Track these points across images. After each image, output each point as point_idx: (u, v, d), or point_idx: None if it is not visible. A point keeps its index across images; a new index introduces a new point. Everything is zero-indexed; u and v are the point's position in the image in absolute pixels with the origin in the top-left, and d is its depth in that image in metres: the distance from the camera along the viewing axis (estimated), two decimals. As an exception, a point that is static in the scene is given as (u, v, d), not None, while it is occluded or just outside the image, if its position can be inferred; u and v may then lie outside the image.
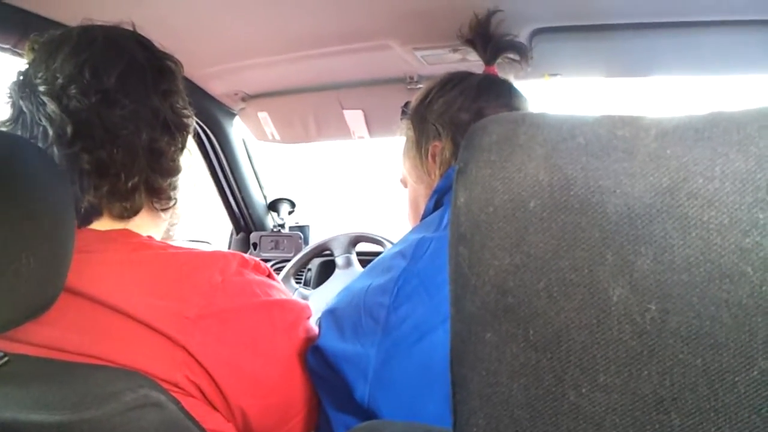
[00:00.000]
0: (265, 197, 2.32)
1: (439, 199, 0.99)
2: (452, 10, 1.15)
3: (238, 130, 2.09)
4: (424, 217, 1.01)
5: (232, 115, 2.02)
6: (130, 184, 0.83)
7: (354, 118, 1.82)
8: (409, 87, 1.60)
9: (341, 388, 0.83)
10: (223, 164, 2.12)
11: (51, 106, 0.79)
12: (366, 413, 0.81)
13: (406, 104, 1.17)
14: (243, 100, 1.90)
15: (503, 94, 1.07)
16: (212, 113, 1.95)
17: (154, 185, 0.86)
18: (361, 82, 1.70)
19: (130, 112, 0.81)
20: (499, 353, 0.37)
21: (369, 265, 0.97)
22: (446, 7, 1.17)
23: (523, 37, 1.27)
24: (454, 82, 1.08)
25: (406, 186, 1.17)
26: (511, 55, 1.18)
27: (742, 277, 0.31)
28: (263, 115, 1.94)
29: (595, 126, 0.36)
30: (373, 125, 1.84)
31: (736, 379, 0.31)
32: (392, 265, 0.88)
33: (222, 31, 1.39)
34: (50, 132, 0.79)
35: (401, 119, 1.17)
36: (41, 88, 0.80)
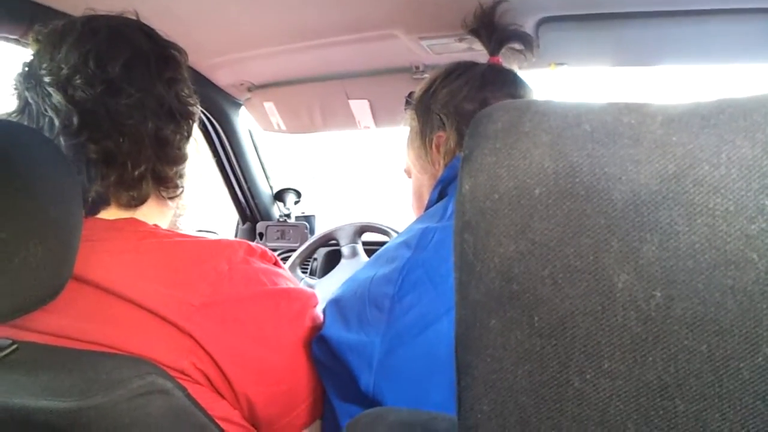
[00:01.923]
0: (271, 187, 2.32)
1: (443, 189, 0.99)
2: (458, -1, 1.15)
3: (244, 121, 2.09)
4: (428, 207, 1.00)
5: (238, 105, 2.02)
6: (137, 173, 0.83)
7: (360, 107, 1.82)
8: (414, 77, 1.59)
9: (346, 378, 0.83)
10: (229, 154, 2.12)
11: (56, 97, 0.79)
12: (371, 403, 0.81)
13: (410, 94, 1.17)
14: (249, 90, 1.90)
15: (508, 84, 1.07)
16: (218, 103, 1.95)
17: (160, 174, 0.87)
18: (367, 72, 1.70)
19: (135, 101, 0.82)
20: (503, 340, 0.37)
21: (374, 255, 0.97)
22: (452, -4, 1.16)
23: (529, 26, 1.27)
24: (459, 71, 1.08)
25: (410, 176, 1.17)
26: (516, 45, 1.17)
27: (747, 264, 0.31)
28: (269, 105, 1.94)
29: (600, 113, 0.36)
30: (378, 115, 1.84)
31: (741, 365, 0.31)
32: (397, 255, 0.88)
33: (227, 21, 1.39)
34: (56, 122, 0.79)
35: (405, 109, 1.16)
36: (46, 79, 0.80)
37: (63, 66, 0.80)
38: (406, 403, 0.78)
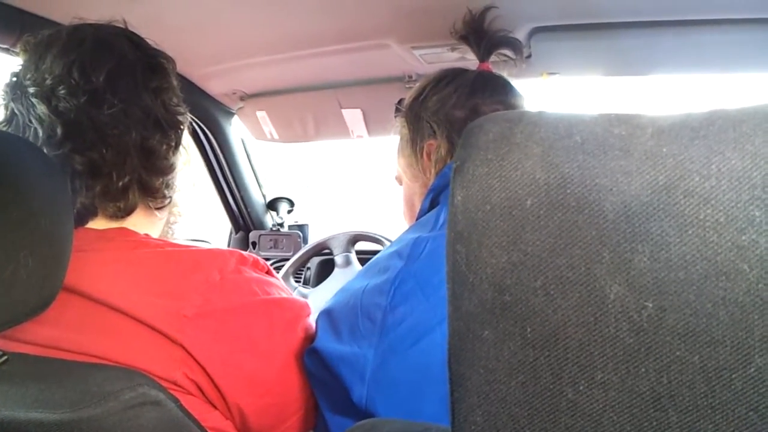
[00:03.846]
0: (264, 196, 2.32)
1: (434, 198, 0.98)
2: (450, 8, 1.15)
3: (236, 130, 2.09)
4: (419, 216, 1.00)
5: (231, 114, 2.02)
6: (121, 184, 0.82)
7: (353, 117, 1.82)
8: (407, 86, 1.59)
9: (338, 390, 0.83)
10: (222, 163, 2.12)
11: (40, 108, 0.78)
12: (363, 415, 0.80)
13: (400, 101, 1.17)
14: (241, 99, 1.90)
15: (498, 91, 1.06)
16: (211, 112, 1.95)
17: (147, 184, 0.86)
18: (360, 81, 1.70)
19: (119, 111, 0.81)
20: (496, 351, 0.37)
21: (366, 266, 0.96)
22: (444, 6, 1.17)
23: (521, 35, 1.27)
24: (449, 79, 1.07)
25: (401, 184, 1.17)
26: (506, 52, 1.17)
27: (738, 275, 0.31)
28: (262, 115, 1.93)
29: (591, 124, 0.36)
30: (371, 124, 1.84)
31: (733, 376, 0.31)
32: (389, 266, 0.87)
33: (220, 30, 1.39)
34: (40, 133, 0.78)
35: (395, 117, 1.16)
36: (31, 90, 0.79)
37: (47, 76, 0.79)
38: (399, 415, 0.78)
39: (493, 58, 1.16)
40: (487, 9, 1.13)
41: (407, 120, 1.10)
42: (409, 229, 0.98)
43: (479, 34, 1.14)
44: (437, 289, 0.82)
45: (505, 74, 1.13)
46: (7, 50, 1.20)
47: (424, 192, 1.02)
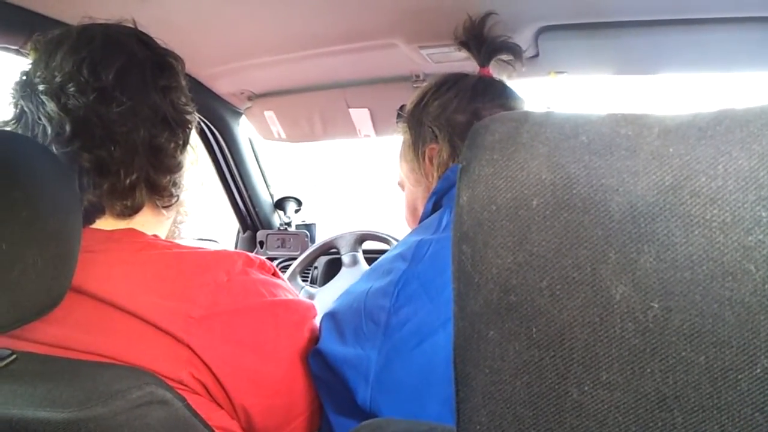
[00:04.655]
0: (271, 196, 2.32)
1: (437, 201, 0.99)
2: (457, 8, 1.15)
3: (244, 129, 2.10)
4: (422, 219, 1.00)
5: (239, 114, 2.02)
6: (128, 182, 0.82)
7: (360, 116, 1.82)
8: (415, 85, 1.59)
9: (343, 392, 0.83)
10: (230, 163, 2.12)
11: (50, 105, 0.79)
12: (367, 417, 0.80)
13: (402, 107, 1.17)
14: (249, 99, 1.90)
15: (498, 95, 1.07)
16: (218, 112, 1.95)
17: (154, 182, 0.86)
18: (367, 81, 1.70)
19: (128, 108, 0.81)
20: (502, 351, 0.37)
21: (369, 268, 0.97)
22: (451, 5, 1.17)
23: (529, 35, 1.27)
24: (449, 84, 1.08)
25: (403, 189, 1.17)
26: (505, 57, 1.18)
27: (745, 275, 0.31)
28: (269, 114, 1.94)
29: (598, 124, 0.36)
30: (379, 124, 1.84)
31: (739, 376, 0.31)
32: (392, 268, 0.88)
33: (228, 30, 1.39)
34: (49, 131, 0.79)
35: (397, 122, 1.17)
36: (40, 87, 0.80)
37: (57, 74, 0.80)
38: (403, 416, 0.78)
39: (493, 61, 1.17)
40: (487, 15, 1.13)
41: (409, 125, 1.11)
42: (412, 231, 0.99)
43: (479, 39, 1.15)
44: (441, 290, 0.82)
45: (504, 77, 1.14)
46: (16, 51, 1.20)
47: (427, 196, 1.02)
